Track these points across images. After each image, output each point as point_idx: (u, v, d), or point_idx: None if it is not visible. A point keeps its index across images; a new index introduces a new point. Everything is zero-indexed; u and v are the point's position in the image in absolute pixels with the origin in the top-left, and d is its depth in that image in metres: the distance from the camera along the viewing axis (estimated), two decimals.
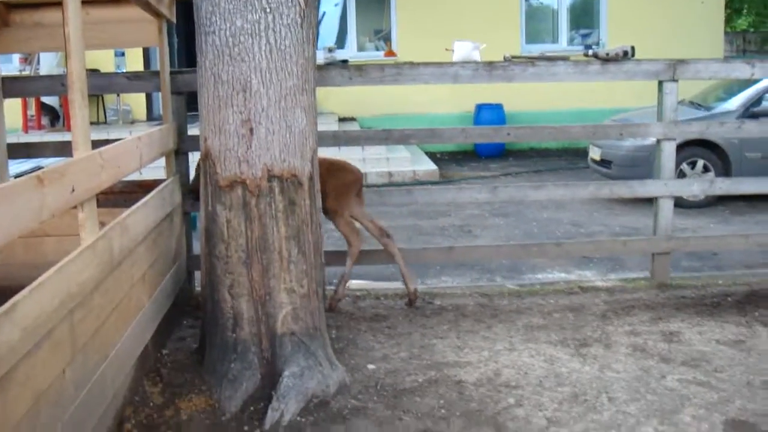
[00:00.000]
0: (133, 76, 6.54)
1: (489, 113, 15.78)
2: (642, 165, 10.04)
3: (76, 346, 3.39)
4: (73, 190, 3.46)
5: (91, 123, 3.88)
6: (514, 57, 6.02)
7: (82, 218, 3.69)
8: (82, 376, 3.48)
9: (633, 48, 6.06)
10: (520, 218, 10.11)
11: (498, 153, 16.10)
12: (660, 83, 6.20)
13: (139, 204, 4.61)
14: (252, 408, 4.27)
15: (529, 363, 4.84)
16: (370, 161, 13.54)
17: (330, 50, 14.80)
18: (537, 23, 17.82)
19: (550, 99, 15.83)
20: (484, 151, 16.08)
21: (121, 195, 5.45)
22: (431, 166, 13.82)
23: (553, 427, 4.03)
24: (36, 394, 2.94)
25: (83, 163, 3.65)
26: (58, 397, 3.18)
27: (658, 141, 6.27)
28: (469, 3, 16.47)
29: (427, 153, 15.29)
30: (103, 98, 15.82)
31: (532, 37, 17.40)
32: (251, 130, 4.30)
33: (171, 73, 5.83)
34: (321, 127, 4.78)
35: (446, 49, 6.50)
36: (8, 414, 2.69)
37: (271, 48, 4.27)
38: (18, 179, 3.03)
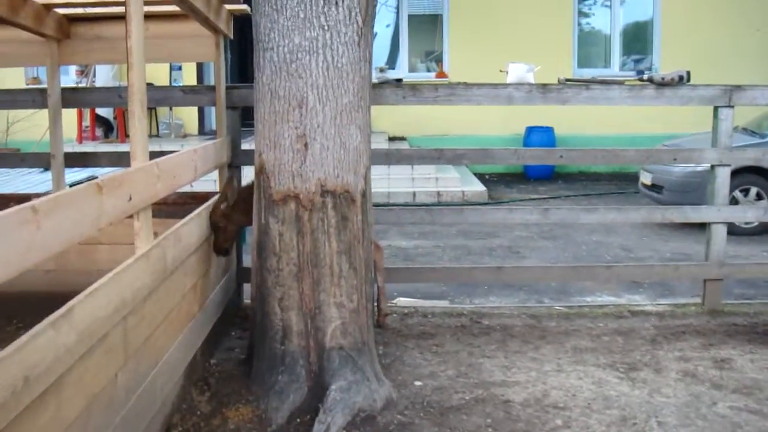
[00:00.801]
0: (189, 89, 6.63)
1: (539, 136, 15.75)
2: (693, 191, 9.95)
3: (128, 351, 3.44)
4: (131, 199, 3.52)
5: None
6: (568, 80, 6.00)
7: (137, 227, 3.75)
8: (134, 382, 3.53)
9: (689, 73, 6.03)
10: (568, 241, 10.06)
11: (547, 176, 16.05)
12: (715, 109, 6.15)
13: (192, 215, 4.67)
14: (298, 420, 4.29)
15: (577, 385, 4.81)
16: (419, 180, 13.57)
17: (381, 70, 14.82)
18: (589, 48, 17.76)
19: (600, 123, 15.76)
20: (534, 174, 16.03)
21: (174, 206, 5.52)
22: (480, 187, 13.80)
23: None
24: (89, 396, 2.99)
25: (141, 173, 3.72)
26: (110, 401, 3.23)
27: (713, 167, 6.22)
28: (521, 27, 16.48)
29: (476, 174, 15.28)
30: (156, 112, 16.04)
31: (584, 62, 17.33)
32: (306, 145, 4.34)
33: (226, 87, 5.91)
34: (371, 146, 4.81)
35: (500, 71, 6.50)
36: (62, 415, 2.74)
37: (328, 65, 4.32)
38: (78, 186, 3.09)
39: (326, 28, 4.29)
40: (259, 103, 4.51)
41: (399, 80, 5.78)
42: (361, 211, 4.51)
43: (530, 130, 16.02)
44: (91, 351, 2.98)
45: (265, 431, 4.20)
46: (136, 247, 3.75)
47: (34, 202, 2.58)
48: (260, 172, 4.54)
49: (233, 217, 5.06)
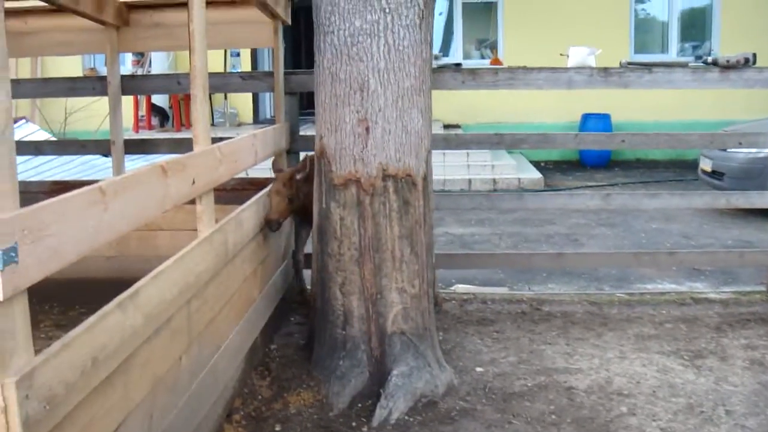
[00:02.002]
0: (248, 76, 6.64)
1: (596, 123, 15.53)
2: (756, 177, 9.73)
3: (191, 335, 3.44)
4: (194, 182, 3.52)
5: None
6: (630, 63, 5.89)
7: (200, 211, 3.76)
8: (197, 365, 3.53)
9: (755, 55, 5.87)
10: (627, 229, 9.91)
11: (604, 163, 15.85)
12: None
13: (252, 200, 4.67)
14: (360, 405, 4.28)
15: (642, 372, 4.73)
16: (475, 168, 13.49)
17: (436, 58, 14.80)
18: (646, 34, 17.48)
19: (657, 109, 15.51)
20: (590, 161, 15.85)
21: (233, 192, 5.52)
22: (536, 175, 13.68)
23: None
24: (154, 378, 3.00)
25: (203, 157, 3.72)
26: (174, 383, 3.24)
27: None
28: (577, 13, 16.27)
29: (531, 161, 15.15)
30: (211, 100, 16.10)
31: (640, 48, 17.06)
32: (367, 129, 4.30)
33: (285, 73, 5.90)
34: None
35: (561, 54, 6.39)
36: (129, 395, 2.75)
37: (389, 48, 4.28)
38: (143, 167, 3.09)
39: (387, 10, 4.25)
40: (319, 86, 4.48)
41: (458, 65, 5.73)
42: (422, 195, 4.46)
43: (586, 117, 15.82)
44: (156, 333, 2.99)
45: (326, 416, 4.19)
46: (198, 231, 3.75)
47: (101, 183, 2.58)
48: (321, 156, 4.52)
49: (303, 188, 4.99)
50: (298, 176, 4.95)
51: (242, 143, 4.54)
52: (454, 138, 6.21)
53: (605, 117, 15.65)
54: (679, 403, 4.30)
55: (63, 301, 5.55)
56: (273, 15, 5.65)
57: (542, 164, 15.61)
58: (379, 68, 4.26)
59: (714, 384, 4.55)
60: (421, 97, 4.40)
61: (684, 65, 5.95)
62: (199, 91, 3.74)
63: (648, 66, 5.90)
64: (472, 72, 5.80)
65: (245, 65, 15.99)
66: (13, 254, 1.97)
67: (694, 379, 4.62)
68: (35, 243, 2.08)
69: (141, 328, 2.82)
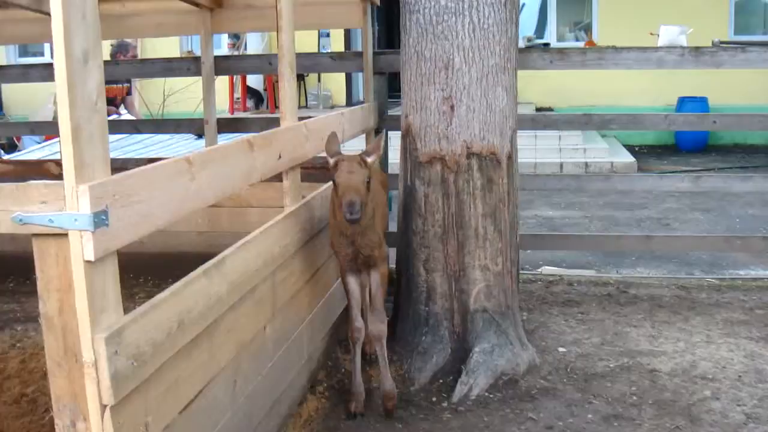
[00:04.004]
0: (337, 56, 6.72)
1: (692, 106, 15.18)
2: None
3: (276, 305, 3.54)
4: (280, 157, 3.61)
5: None
6: (723, 42, 5.78)
7: (286, 185, 3.85)
8: (281, 335, 3.64)
9: None
10: (722, 214, 9.72)
11: (700, 148, 15.51)
12: None
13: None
14: (441, 381, 4.34)
15: (728, 357, 4.66)
16: (567, 151, 13.38)
17: (529, 40, 14.71)
18: (747, 15, 17.02)
19: (757, 93, 15.10)
20: (686, 146, 15.54)
21: (321, 170, 5.61)
22: (629, 158, 13.48)
23: (752, 423, 3.87)
24: (238, 345, 3.11)
25: (290, 132, 3.80)
26: (258, 351, 3.35)
27: None
28: None
29: (625, 146, 14.93)
30: (304, 82, 16.30)
31: (741, 29, 16.61)
32: (452, 107, 4.34)
33: (374, 53, 5.96)
34: (519, 112, 4.75)
35: (651, 33, 6.31)
36: (213, 359, 2.86)
37: (474, 27, 4.30)
38: (230, 141, 3.19)
39: None
40: (405, 65, 4.53)
41: (546, 44, 5.71)
42: (506, 173, 4.48)
43: (683, 100, 15.49)
44: (241, 301, 3.09)
45: (407, 390, 4.26)
46: (284, 205, 3.84)
47: (189, 154, 2.68)
48: (406, 134, 4.57)
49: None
50: (370, 158, 4.05)
51: (329, 120, 4.62)
52: (542, 118, 6.19)
53: (702, 100, 15.30)
54: (765, 389, 4.22)
55: (157, 275, 5.73)
56: None
57: (636, 149, 15.37)
58: (464, 46, 4.29)
59: None
60: (506, 75, 4.41)
61: None
62: (286, 69, 3.83)
63: (743, 45, 5.77)
64: (560, 52, 5.76)
65: (338, 46, 16.12)
66: (104, 217, 2.07)
67: None
68: (125, 208, 2.19)
69: (226, 295, 2.92)
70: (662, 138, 16.02)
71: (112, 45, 11.48)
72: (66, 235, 2.07)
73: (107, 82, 2.31)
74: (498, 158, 4.42)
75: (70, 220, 2.04)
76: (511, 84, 4.49)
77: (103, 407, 2.15)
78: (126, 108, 11.27)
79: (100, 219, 2.06)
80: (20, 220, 2.09)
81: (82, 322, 2.10)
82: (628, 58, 5.68)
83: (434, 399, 4.18)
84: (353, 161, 3.62)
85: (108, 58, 10.51)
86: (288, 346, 3.72)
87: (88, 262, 2.06)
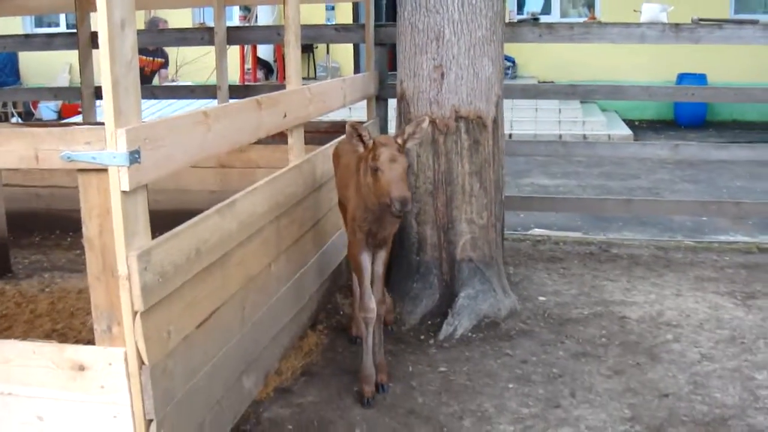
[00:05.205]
0: (341, 27, 7.15)
1: (691, 82, 15.45)
2: None
3: (280, 247, 4.00)
4: (285, 116, 4.05)
5: (302, 78, 4.40)
6: (701, 20, 6.16)
7: (291, 142, 4.30)
8: (284, 274, 4.10)
9: None
10: (711, 185, 10.07)
11: (698, 123, 15.80)
12: None
13: (341, 138, 5.17)
14: (429, 322, 4.82)
15: (693, 308, 5.10)
16: (566, 123, 13.76)
17: (534, 16, 15.05)
18: None
19: (755, 71, 15.37)
20: (684, 121, 15.85)
21: (326, 134, 6.04)
22: (626, 131, 13.82)
23: (705, 362, 4.32)
24: (247, 276, 3.58)
25: (294, 95, 4.25)
26: (264, 285, 3.81)
27: None
28: None
29: (625, 120, 15.26)
30: (313, 55, 16.67)
31: (742, 8, 16.87)
32: (442, 74, 4.77)
33: (375, 26, 6.36)
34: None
35: (634, 11, 6.70)
36: (225, 286, 3.33)
37: (462, 1, 4.72)
38: (242, 100, 3.64)
39: None
40: (400, 36, 4.96)
41: (536, 19, 6.10)
42: (492, 136, 4.91)
43: (682, 76, 15.81)
44: (249, 239, 3.56)
45: (399, 330, 4.73)
46: (289, 159, 4.29)
47: (205, 108, 3.13)
48: (401, 99, 5.01)
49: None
50: (411, 143, 3.74)
51: (331, 85, 5.06)
52: (531, 88, 6.61)
53: (701, 77, 15.60)
54: (722, 335, 4.67)
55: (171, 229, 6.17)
56: None
57: (636, 123, 15.71)
58: (453, 19, 4.71)
59: (761, 321, 4.89)
60: (492, 46, 4.83)
61: (756, 22, 6.19)
62: (291, 37, 4.26)
63: (719, 22, 6.16)
64: (549, 26, 6.18)
65: (347, 18, 16.44)
66: (137, 156, 2.52)
67: (742, 316, 4.96)
68: (153, 150, 2.63)
69: (236, 232, 3.39)
70: (662, 113, 16.34)
71: (145, 22, 11.86)
72: (106, 170, 2.51)
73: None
74: (484, 122, 4.85)
75: (109, 157, 2.49)
76: (497, 54, 4.91)
77: (135, 313, 2.61)
78: (159, 80, 11.66)
79: (134, 157, 2.51)
80: (68, 157, 2.54)
81: (118, 242, 2.55)
82: (612, 32, 6.08)
83: (422, 337, 4.64)
84: (392, 147, 3.47)
85: None
86: (290, 285, 4.18)
87: (124, 192, 2.50)
